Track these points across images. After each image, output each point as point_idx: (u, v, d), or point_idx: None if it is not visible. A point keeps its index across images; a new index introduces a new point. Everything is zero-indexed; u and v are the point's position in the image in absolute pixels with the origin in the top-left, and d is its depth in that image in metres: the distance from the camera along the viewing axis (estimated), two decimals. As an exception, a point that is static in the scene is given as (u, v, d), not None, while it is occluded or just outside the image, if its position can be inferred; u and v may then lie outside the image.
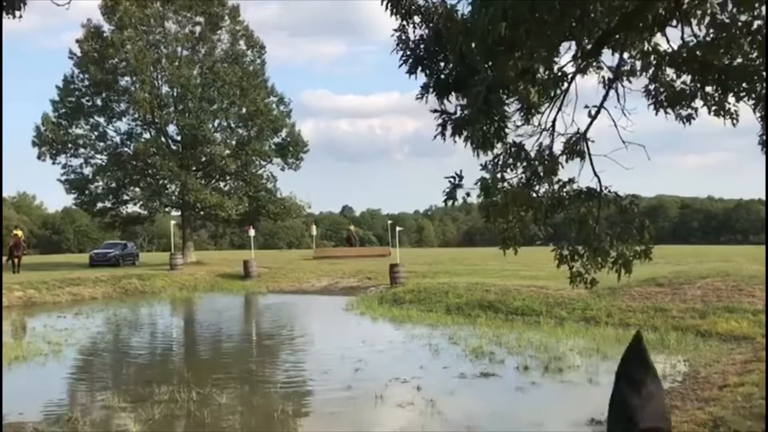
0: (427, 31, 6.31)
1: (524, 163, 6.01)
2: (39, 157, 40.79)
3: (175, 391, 11.30)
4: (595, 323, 17.65)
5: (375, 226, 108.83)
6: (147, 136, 42.07)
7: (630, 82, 6.43)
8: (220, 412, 10.42)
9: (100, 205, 43.15)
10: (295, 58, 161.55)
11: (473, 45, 5.29)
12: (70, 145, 41.13)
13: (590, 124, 6.20)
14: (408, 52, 6.29)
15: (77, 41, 40.34)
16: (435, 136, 6.10)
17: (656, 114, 6.23)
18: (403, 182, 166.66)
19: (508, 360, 13.72)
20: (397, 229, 35.44)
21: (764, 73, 5.50)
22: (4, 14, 5.99)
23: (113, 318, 22.72)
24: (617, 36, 5.93)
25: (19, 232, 36.05)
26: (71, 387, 13.09)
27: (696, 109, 6.30)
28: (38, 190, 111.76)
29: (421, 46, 6.28)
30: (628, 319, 17.49)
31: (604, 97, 6.27)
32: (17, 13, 5.63)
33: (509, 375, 12.53)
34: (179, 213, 44.01)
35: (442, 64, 6.28)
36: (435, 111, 6.09)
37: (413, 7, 6.24)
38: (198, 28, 41.37)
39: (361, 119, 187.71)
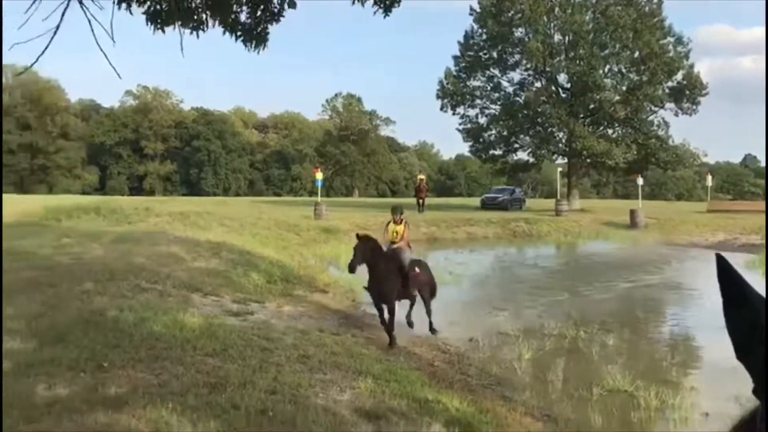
0: None
1: None
2: (441, 109, 45.20)
3: (563, 328, 11.91)
4: None
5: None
6: (537, 85, 43.42)
7: None
8: (606, 352, 10.73)
9: (491, 152, 46.18)
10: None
11: None
12: (468, 97, 44.61)
13: None
14: None
15: (477, -3, 43.12)
16: None
17: None
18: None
19: None
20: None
21: None
22: None
23: (503, 256, 24.49)
24: None
25: (423, 177, 40.62)
26: (470, 312, 14.68)
27: None
28: (435, 139, 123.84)
29: None
30: None
31: None
32: None
33: None
34: (565, 161, 44.67)
35: None
36: None
37: None
38: (591, -28, 40.70)
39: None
